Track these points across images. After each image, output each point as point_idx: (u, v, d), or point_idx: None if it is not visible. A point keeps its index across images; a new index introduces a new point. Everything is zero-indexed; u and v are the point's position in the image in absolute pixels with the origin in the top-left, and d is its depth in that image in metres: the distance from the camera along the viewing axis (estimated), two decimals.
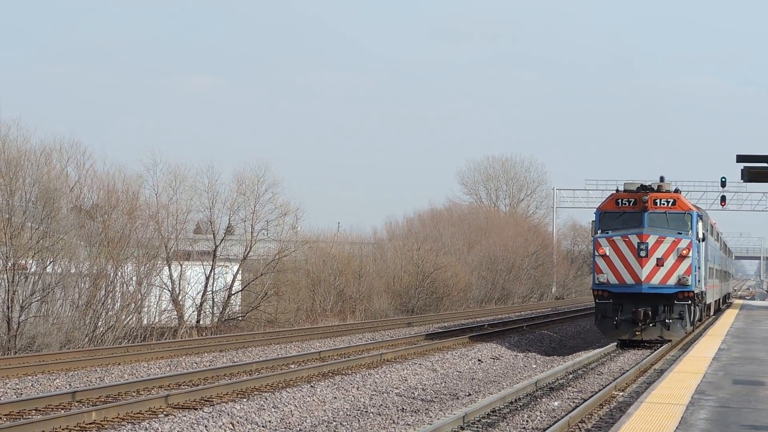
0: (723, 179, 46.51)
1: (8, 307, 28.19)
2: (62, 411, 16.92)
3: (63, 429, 15.39)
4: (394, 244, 57.53)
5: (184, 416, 16.32)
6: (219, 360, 26.20)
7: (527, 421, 17.02)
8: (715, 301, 44.31)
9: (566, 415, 16.76)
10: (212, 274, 40.56)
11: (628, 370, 23.43)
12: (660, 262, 29.41)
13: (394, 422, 17.14)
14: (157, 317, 36.70)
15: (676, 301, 29.63)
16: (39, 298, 29.44)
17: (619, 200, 30.40)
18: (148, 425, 15.49)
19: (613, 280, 29.72)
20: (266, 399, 18.45)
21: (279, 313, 42.11)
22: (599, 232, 30.40)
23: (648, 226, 29.80)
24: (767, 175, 37.41)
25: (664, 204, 30.08)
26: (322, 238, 52.61)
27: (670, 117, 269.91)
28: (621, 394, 19.70)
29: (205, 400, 18.29)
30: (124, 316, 32.55)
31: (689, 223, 30.17)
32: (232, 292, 41.26)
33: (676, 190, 31.06)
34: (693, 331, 32.67)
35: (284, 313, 42.54)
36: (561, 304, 73.35)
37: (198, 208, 42.40)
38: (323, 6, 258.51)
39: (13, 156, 30.96)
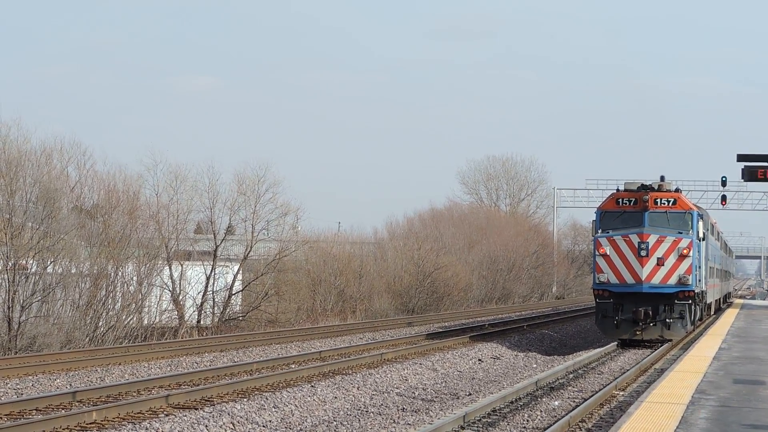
0: (723, 178, 46.62)
1: (9, 307, 28.19)
2: (63, 411, 16.92)
3: (63, 429, 15.39)
4: (395, 244, 57.53)
5: (185, 416, 16.32)
6: (219, 360, 26.20)
7: (528, 420, 17.02)
8: (716, 300, 44.30)
9: (567, 414, 16.76)
10: (213, 274, 40.55)
11: (628, 370, 23.43)
12: (660, 262, 29.40)
13: (394, 422, 17.14)
14: (157, 317, 36.70)
15: (676, 301, 29.62)
16: (39, 298, 29.44)
17: (620, 200, 30.40)
18: (148, 425, 15.49)
19: (613, 279, 29.71)
20: (267, 399, 18.45)
21: (279, 313, 42.12)
22: (600, 231, 30.40)
23: (648, 225, 29.80)
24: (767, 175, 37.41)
25: (664, 203, 30.08)
26: (322, 238, 52.62)
27: (671, 116, 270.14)
28: (621, 393, 19.70)
29: (206, 400, 18.29)
30: (124, 316, 32.55)
31: (690, 223, 30.16)
32: (233, 292, 41.26)
33: (677, 190, 31.05)
34: (693, 330, 32.67)
35: (285, 313, 42.55)
36: (561, 303, 73.34)
37: (198, 208, 42.43)
38: (323, 6, 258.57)
39: (14, 156, 30.97)
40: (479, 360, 28.03)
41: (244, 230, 43.99)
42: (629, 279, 29.57)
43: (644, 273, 29.40)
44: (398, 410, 18.66)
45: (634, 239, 29.50)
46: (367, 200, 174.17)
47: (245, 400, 18.28)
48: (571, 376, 23.77)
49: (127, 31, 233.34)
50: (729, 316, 40.90)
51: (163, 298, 38.20)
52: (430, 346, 30.26)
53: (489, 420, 16.86)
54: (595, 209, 31.60)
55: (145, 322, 34.93)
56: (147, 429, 15.30)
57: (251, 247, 42.54)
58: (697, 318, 32.19)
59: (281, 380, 21.29)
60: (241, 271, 41.86)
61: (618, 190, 30.90)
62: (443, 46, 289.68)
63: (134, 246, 34.74)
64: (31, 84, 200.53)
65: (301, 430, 16.61)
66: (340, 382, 21.22)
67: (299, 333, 34.81)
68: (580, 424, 16.26)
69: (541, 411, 18.02)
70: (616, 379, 21.67)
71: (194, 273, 40.14)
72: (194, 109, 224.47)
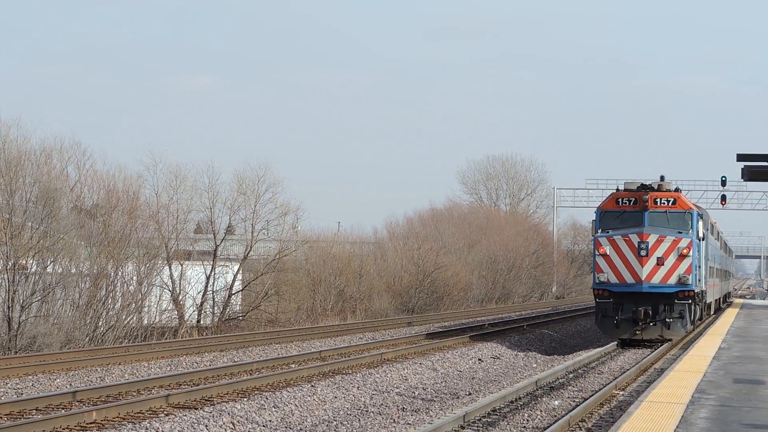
0: (723, 178, 46.65)
1: (9, 307, 28.19)
2: (63, 411, 16.92)
3: (63, 428, 15.39)
4: (395, 244, 57.55)
5: (185, 416, 16.32)
6: (219, 360, 26.20)
7: (528, 420, 17.02)
8: (716, 300, 44.30)
9: (566, 414, 16.76)
10: (213, 273, 40.56)
11: (628, 369, 23.43)
12: (660, 262, 29.40)
13: (394, 421, 17.14)
14: (157, 317, 36.69)
15: (676, 300, 29.63)
16: (39, 298, 29.43)
17: (620, 199, 30.39)
18: (148, 425, 15.49)
19: (613, 279, 29.71)
20: (267, 398, 18.45)
21: (279, 312, 42.12)
22: (599, 231, 30.40)
23: (648, 225, 29.79)
24: (767, 174, 37.43)
25: (664, 203, 30.07)
26: (322, 238, 52.62)
27: (671, 116, 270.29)
28: (621, 393, 19.70)
29: (206, 400, 18.29)
30: (124, 316, 32.55)
31: (689, 222, 30.16)
32: (233, 292, 41.26)
33: (677, 189, 31.05)
34: (693, 330, 32.66)
35: (285, 312, 42.56)
36: (561, 303, 73.34)
37: (198, 208, 42.45)
38: (323, 6, 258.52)
39: (14, 156, 30.96)
40: (479, 360, 28.03)
41: (243, 230, 44.01)
42: (629, 279, 29.57)
43: (644, 273, 29.40)
44: (398, 410, 18.66)
45: (634, 239, 29.49)
46: (367, 200, 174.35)
47: (245, 399, 18.28)
48: (571, 375, 23.77)
49: (127, 31, 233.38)
50: (729, 315, 40.90)
51: (163, 298, 38.20)
52: (430, 345, 30.26)
53: (489, 420, 16.86)
54: (595, 209, 31.60)
55: (145, 321, 34.92)
56: (147, 429, 15.30)
57: (251, 247, 42.54)
58: (696, 318, 32.19)
59: (281, 380, 21.29)
60: (240, 271, 41.86)
61: (618, 189, 30.89)
62: (443, 46, 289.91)
63: (134, 246, 34.74)
64: (31, 84, 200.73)
65: (301, 429, 16.61)
66: (340, 382, 21.22)
67: (299, 333, 34.81)
68: (580, 423, 16.26)
69: (541, 411, 18.02)
70: (616, 378, 21.67)
71: (194, 273, 40.15)
72: (194, 108, 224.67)
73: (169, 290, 38.50)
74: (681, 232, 29.76)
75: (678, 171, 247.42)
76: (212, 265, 40.63)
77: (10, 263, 28.73)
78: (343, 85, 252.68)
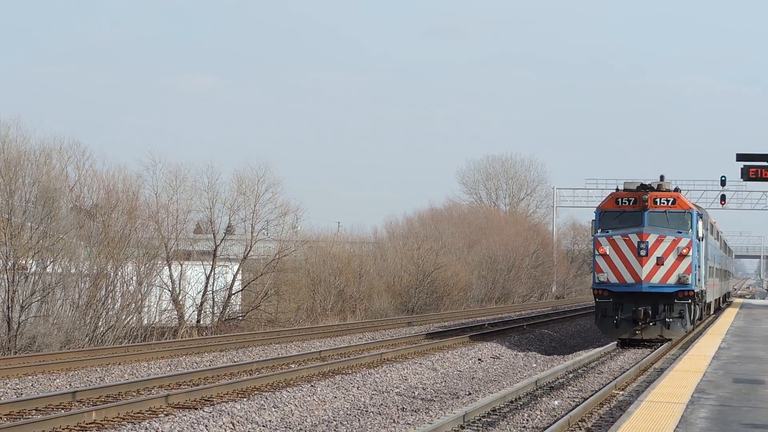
0: (723, 178, 46.61)
1: (8, 307, 28.18)
2: (62, 411, 16.92)
3: (63, 429, 15.39)
4: (395, 244, 57.55)
5: (185, 416, 16.32)
6: (219, 360, 26.20)
7: (527, 420, 17.01)
8: (715, 299, 44.31)
9: (566, 414, 16.76)
10: (212, 273, 40.56)
11: (628, 369, 23.43)
12: (660, 261, 29.40)
13: (394, 421, 17.14)
14: (157, 317, 36.69)
15: (676, 300, 29.62)
16: (39, 298, 29.43)
17: (619, 199, 30.39)
18: (148, 425, 15.49)
19: (613, 279, 29.71)
20: (266, 398, 18.45)
21: (279, 312, 42.13)
22: (599, 231, 30.39)
23: (648, 225, 29.79)
24: (767, 174, 37.41)
25: (664, 203, 30.07)
26: (322, 238, 52.62)
27: (670, 116, 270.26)
28: (621, 392, 19.70)
29: (206, 400, 18.29)
30: (124, 316, 32.55)
31: (689, 222, 30.16)
32: (233, 292, 41.27)
33: (676, 189, 31.05)
34: (693, 329, 32.67)
35: (284, 312, 42.56)
36: (561, 303, 73.36)
37: (198, 208, 42.47)
38: (323, 6, 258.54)
39: (13, 156, 30.96)
40: (479, 359, 28.03)
41: (243, 230, 44.02)
42: (629, 278, 29.57)
43: (644, 272, 29.39)
44: (398, 410, 18.66)
45: (634, 239, 29.49)
46: (366, 200, 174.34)
47: (245, 399, 18.28)
48: (570, 375, 23.77)
49: (126, 31, 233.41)
50: (728, 315, 40.91)
51: (163, 298, 38.20)
52: (429, 345, 30.26)
53: (489, 419, 16.86)
54: (595, 209, 31.59)
55: (145, 321, 34.92)
56: (147, 429, 15.30)
57: (251, 247, 42.55)
58: (696, 317, 32.19)
59: (281, 380, 21.29)
60: (240, 271, 41.86)
61: (617, 189, 30.88)
62: (442, 46, 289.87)
63: (134, 246, 34.74)
64: (31, 84, 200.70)
65: (301, 429, 16.61)
66: (339, 382, 21.22)
67: (299, 333, 34.81)
68: (579, 423, 16.25)
69: (540, 410, 18.02)
70: (615, 378, 21.67)
71: (194, 273, 40.15)
72: (194, 108, 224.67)
73: (169, 290, 38.50)
74: (681, 232, 29.76)
75: (678, 171, 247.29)
76: (212, 265, 40.63)
77: (9, 263, 28.72)
78: (342, 84, 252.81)
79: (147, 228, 37.79)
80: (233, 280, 41.29)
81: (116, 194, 35.76)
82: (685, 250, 29.41)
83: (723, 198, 54.30)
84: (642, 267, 29.39)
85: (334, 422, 17.15)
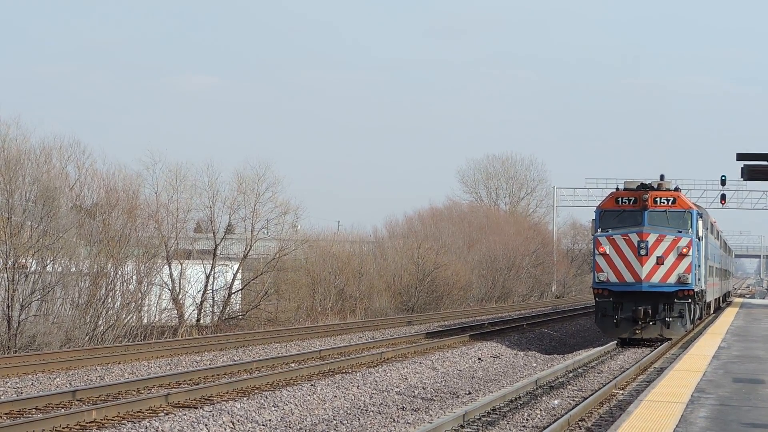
0: (723, 177, 46.60)
1: (8, 306, 28.18)
2: (63, 410, 16.93)
3: (63, 428, 15.39)
4: (395, 243, 57.55)
5: (185, 415, 16.32)
6: (219, 359, 26.20)
7: (527, 419, 17.02)
8: (715, 299, 44.31)
9: (566, 413, 16.76)
10: (212, 272, 40.55)
11: (628, 369, 23.43)
12: (660, 261, 29.40)
13: (394, 421, 17.15)
14: (157, 316, 36.67)
15: (676, 300, 29.63)
16: (39, 297, 29.43)
17: (619, 199, 30.39)
18: (148, 424, 15.49)
19: (613, 278, 29.71)
20: (266, 398, 18.45)
21: (279, 311, 42.13)
22: (599, 230, 30.40)
23: (648, 224, 29.79)
24: (767, 174, 37.42)
25: (664, 202, 30.07)
26: (322, 237, 52.61)
27: (671, 115, 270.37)
28: (621, 392, 19.71)
29: (206, 399, 18.29)
30: (124, 315, 32.54)
31: (689, 222, 30.16)
32: (233, 291, 41.26)
33: (676, 189, 31.05)
34: (693, 329, 32.68)
35: (284, 311, 42.56)
36: (561, 302, 73.36)
37: (198, 207, 42.45)
38: (323, 5, 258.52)
39: (13, 155, 30.96)
40: (479, 359, 28.03)
41: (243, 229, 43.99)
42: (629, 278, 29.57)
43: (644, 272, 29.40)
44: (398, 409, 18.66)
45: (634, 238, 29.50)
46: (366, 199, 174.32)
47: (245, 399, 18.28)
48: (570, 374, 23.77)
49: (126, 31, 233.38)
50: (728, 314, 40.91)
51: (163, 297, 38.18)
52: (429, 345, 30.26)
53: (489, 419, 16.87)
54: (595, 208, 31.59)
55: (145, 320, 34.91)
56: (147, 428, 15.30)
57: (251, 246, 42.54)
58: (696, 317, 32.20)
59: (281, 379, 21.29)
60: (240, 270, 41.85)
61: (617, 189, 30.89)
62: (442, 45, 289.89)
63: (134, 245, 34.73)
64: (31, 83, 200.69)
65: (301, 429, 16.61)
66: (339, 381, 21.22)
67: (299, 332, 34.81)
68: (579, 422, 16.26)
69: (540, 410, 18.02)
70: (615, 377, 21.68)
71: (194, 272, 40.14)
72: (194, 108, 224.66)
73: (169, 289, 38.49)
74: (680, 232, 29.77)
75: (678, 170, 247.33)
76: (212, 264, 40.62)
77: (9, 262, 28.73)
78: (343, 84, 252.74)
79: (147, 227, 37.79)
80: (233, 279, 41.28)
81: (116, 193, 35.77)
82: (685, 250, 29.42)
83: (723, 197, 54.27)
84: (642, 266, 29.40)
85: (334, 421, 17.16)
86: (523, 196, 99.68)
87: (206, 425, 15.91)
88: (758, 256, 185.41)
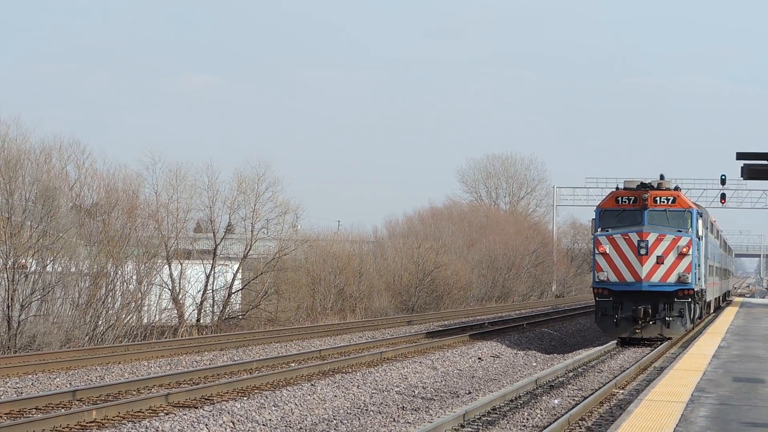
0: (723, 177, 46.52)
1: (8, 306, 28.18)
2: (63, 410, 16.93)
3: (63, 428, 15.40)
4: (395, 243, 57.56)
5: (185, 415, 16.32)
6: (219, 358, 26.20)
7: (527, 419, 17.02)
8: (715, 298, 44.31)
9: (566, 412, 16.76)
10: (212, 272, 40.56)
11: (628, 368, 23.43)
12: (660, 260, 29.40)
13: (394, 420, 17.15)
14: (157, 316, 36.69)
15: (676, 299, 29.63)
16: (39, 297, 29.43)
17: (619, 198, 30.39)
18: (148, 424, 15.49)
19: (613, 278, 29.71)
20: (267, 397, 18.45)
21: (279, 311, 42.13)
22: (599, 230, 30.40)
23: (648, 223, 29.79)
24: (767, 173, 37.42)
25: (664, 202, 30.07)
26: (322, 237, 52.62)
27: (670, 115, 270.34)
28: (621, 391, 19.71)
29: (206, 399, 18.29)
30: (124, 315, 32.55)
31: (689, 221, 30.16)
32: (233, 291, 41.26)
33: (676, 188, 31.05)
34: (693, 328, 32.67)
35: (284, 311, 42.57)
36: (561, 302, 73.37)
37: (198, 207, 42.47)
38: (323, 6, 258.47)
39: (13, 155, 30.96)
40: (479, 358, 28.03)
41: (243, 229, 44.00)
42: (629, 277, 29.57)
43: (644, 271, 29.40)
44: (398, 409, 18.66)
45: (634, 238, 29.50)
46: (366, 199, 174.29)
47: (245, 398, 18.29)
48: (570, 374, 23.77)
49: (126, 31, 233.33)
50: (728, 314, 40.92)
51: (163, 297, 38.19)
52: (429, 344, 30.27)
53: (489, 418, 16.87)
54: (595, 208, 31.59)
55: (145, 320, 34.92)
56: (147, 428, 15.30)
57: (251, 246, 42.55)
58: (696, 316, 32.20)
59: (281, 379, 21.29)
60: (240, 270, 41.85)
61: (617, 188, 30.88)
62: (442, 45, 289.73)
63: (134, 245, 34.74)
64: (31, 83, 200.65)
65: (301, 428, 16.61)
66: (339, 381, 21.22)
67: (299, 332, 34.81)
68: (579, 422, 16.26)
69: (540, 409, 18.02)
70: (615, 377, 21.67)
71: (194, 272, 40.15)
72: (194, 107, 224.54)
73: (169, 289, 38.50)
74: (680, 231, 29.77)
75: (678, 170, 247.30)
76: (212, 264, 40.63)
77: (9, 262, 28.73)
78: (343, 84, 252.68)
79: (147, 227, 37.80)
80: (233, 279, 41.29)
81: (116, 193, 35.78)
82: (685, 249, 29.42)
83: (723, 197, 54.18)
84: (642, 266, 29.40)
85: (335, 421, 17.15)
86: (523, 195, 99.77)
87: (206, 425, 15.91)
88: (758, 256, 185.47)
